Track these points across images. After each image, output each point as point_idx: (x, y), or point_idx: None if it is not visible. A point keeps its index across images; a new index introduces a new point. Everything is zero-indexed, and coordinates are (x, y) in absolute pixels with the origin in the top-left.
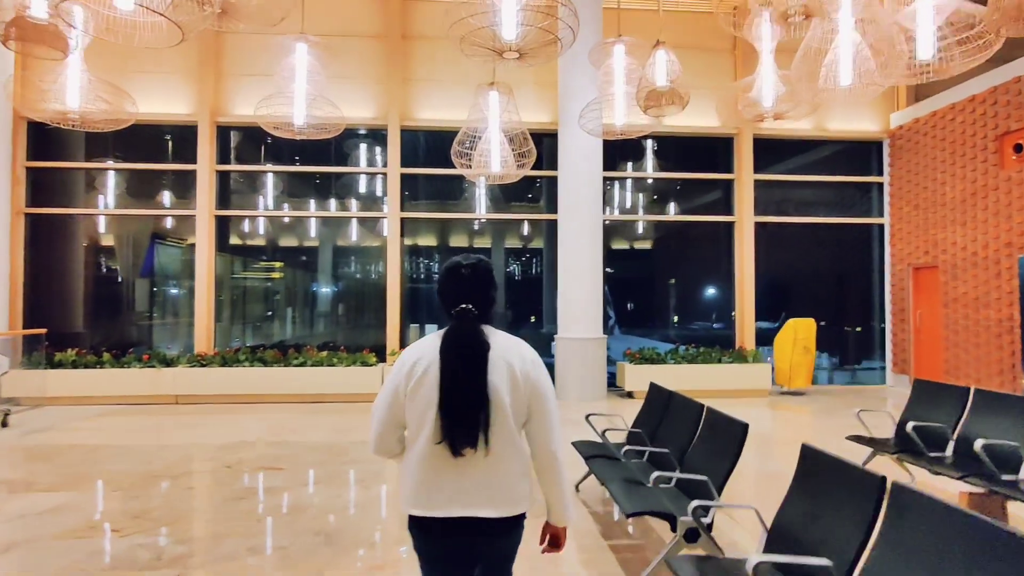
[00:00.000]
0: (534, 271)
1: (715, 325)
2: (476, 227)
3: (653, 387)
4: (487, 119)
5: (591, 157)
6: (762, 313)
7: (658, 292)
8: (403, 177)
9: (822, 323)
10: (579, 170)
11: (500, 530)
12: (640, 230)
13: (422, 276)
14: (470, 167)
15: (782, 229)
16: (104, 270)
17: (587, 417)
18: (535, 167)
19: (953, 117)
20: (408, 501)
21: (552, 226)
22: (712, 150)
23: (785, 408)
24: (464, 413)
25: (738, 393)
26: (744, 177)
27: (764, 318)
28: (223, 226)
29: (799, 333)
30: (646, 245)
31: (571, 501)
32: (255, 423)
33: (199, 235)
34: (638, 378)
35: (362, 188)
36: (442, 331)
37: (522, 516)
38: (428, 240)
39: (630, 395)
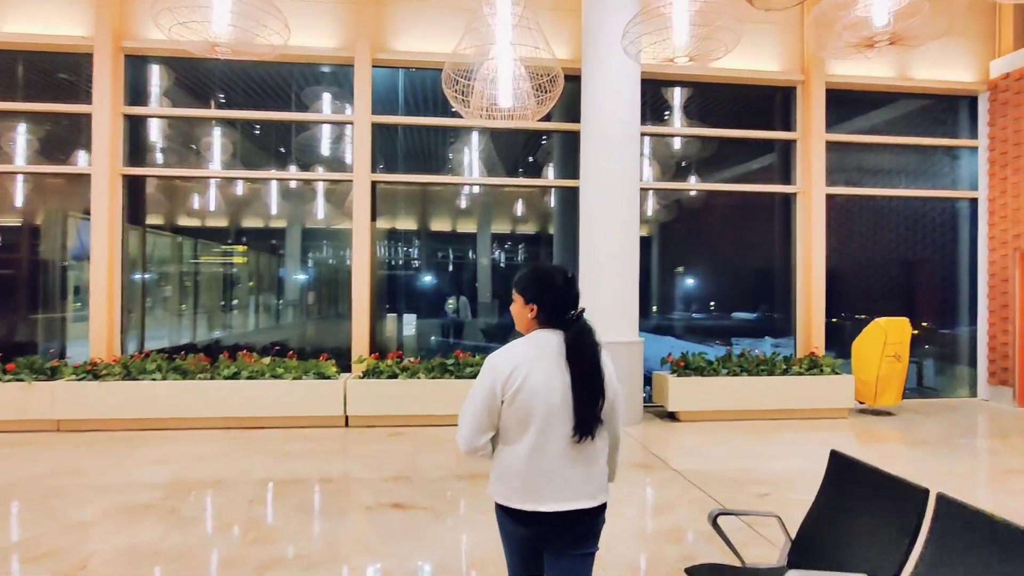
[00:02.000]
0: (541, 256)
1: (747, 314)
2: (464, 206)
3: (837, 459)
4: (492, 36)
5: (628, 102)
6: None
7: (684, 277)
8: (376, 130)
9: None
10: (612, 120)
11: (589, 519)
12: (650, 210)
13: (400, 262)
14: (467, 105)
15: (847, 204)
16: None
17: (714, 520)
18: (546, 118)
19: None
20: (515, 497)
21: (568, 199)
22: (765, 104)
23: (881, 437)
24: (591, 407)
25: (812, 413)
26: (812, 137)
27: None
28: (136, 191)
29: (890, 336)
30: (662, 220)
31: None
32: (157, 466)
33: (95, 200)
34: (685, 395)
35: (326, 150)
36: (536, 336)
37: (604, 507)
38: (407, 223)
39: (673, 417)
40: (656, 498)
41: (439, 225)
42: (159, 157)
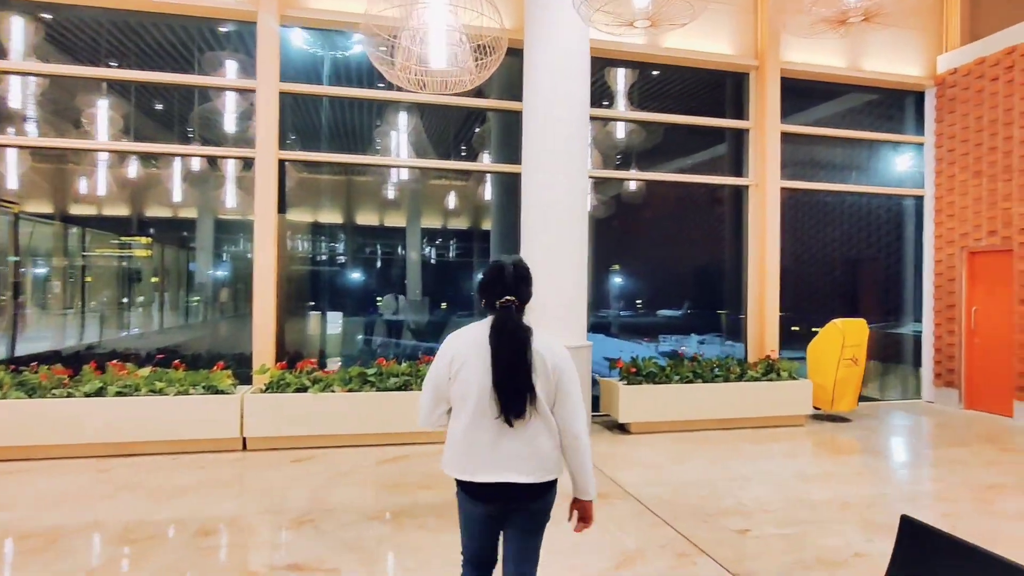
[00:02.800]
0: (475, 252)
1: (670, 311)
2: (393, 196)
3: (910, 527)
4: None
5: (578, 78)
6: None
7: (621, 275)
8: (289, 102)
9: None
10: (559, 98)
11: (532, 494)
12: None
13: (325, 258)
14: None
15: (791, 199)
16: None
17: None
18: (483, 94)
19: None
20: (454, 467)
21: (507, 188)
22: (715, 91)
23: (844, 448)
24: (515, 390)
25: (769, 421)
26: (767, 127)
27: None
28: None
29: (848, 338)
30: (600, 216)
31: (592, 477)
32: None
33: None
34: (636, 405)
35: (232, 125)
36: (484, 321)
37: (553, 483)
38: (331, 215)
39: (623, 429)
40: (621, 541)
41: (366, 219)
42: (29, 128)
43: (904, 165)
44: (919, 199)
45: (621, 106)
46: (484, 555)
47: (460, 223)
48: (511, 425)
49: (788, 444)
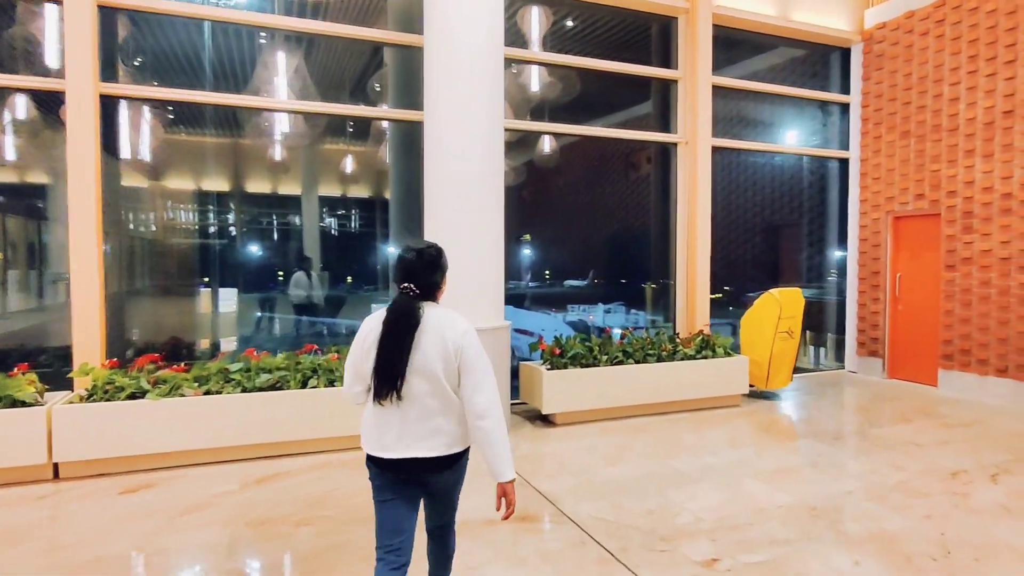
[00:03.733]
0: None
1: (576, 282)
2: (283, 158)
3: None
4: None
5: (490, 10)
6: (633, 273)
7: (533, 246)
8: (121, 20)
9: (747, 293)
10: (468, 30)
11: (438, 466)
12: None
13: (213, 229)
14: None
15: (717, 160)
16: None
17: None
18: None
19: (976, 6)
20: (364, 442)
21: (408, 143)
22: (639, 37)
23: (788, 431)
24: (388, 370)
25: (705, 403)
26: (698, 78)
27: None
28: None
29: (785, 310)
30: (509, 183)
31: (509, 456)
32: None
33: None
34: (562, 392)
35: (53, 58)
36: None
37: (459, 455)
38: (218, 182)
39: (547, 420)
40: None
41: (258, 186)
42: None
43: (831, 126)
44: (844, 162)
45: (536, 49)
46: (397, 532)
47: (361, 191)
48: (379, 403)
49: (729, 430)
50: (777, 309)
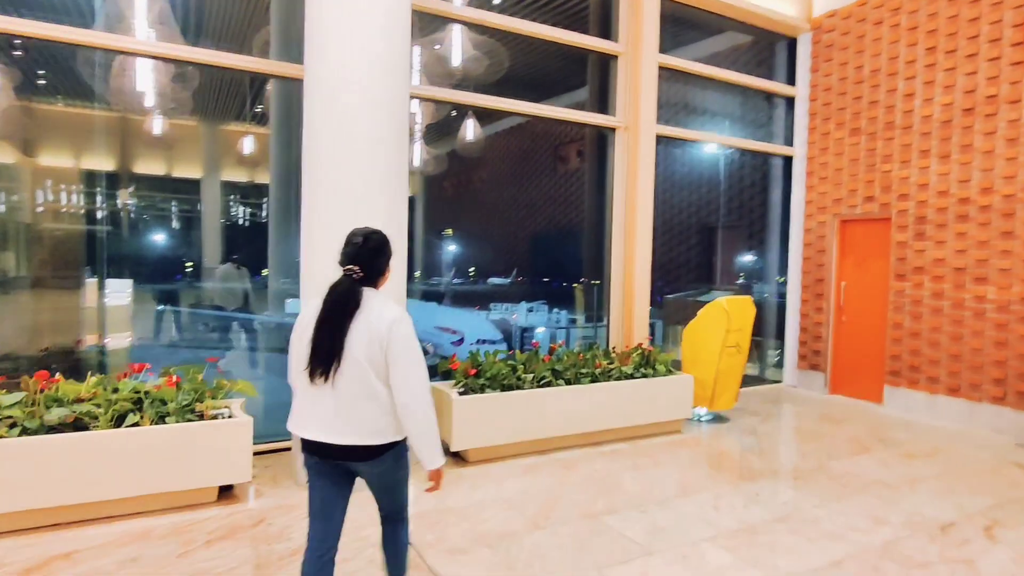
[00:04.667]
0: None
1: (500, 280)
2: (158, 134)
3: None
4: None
5: None
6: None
7: (454, 241)
8: None
9: (665, 294)
10: None
11: (362, 455)
12: (416, 159)
13: (102, 214)
14: None
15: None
16: None
17: None
18: None
19: None
20: (291, 423)
21: (288, 107)
22: (576, 9)
23: (745, 465)
24: (324, 350)
25: (644, 431)
26: (642, 56)
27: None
28: None
29: (734, 321)
30: (430, 172)
31: (435, 446)
32: None
33: None
34: (477, 423)
35: None
36: None
37: (384, 448)
38: (102, 161)
39: (459, 458)
40: None
41: (152, 168)
42: None
43: (776, 120)
44: (789, 159)
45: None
46: (324, 518)
47: (266, 176)
48: (312, 382)
49: (675, 469)
50: (725, 320)
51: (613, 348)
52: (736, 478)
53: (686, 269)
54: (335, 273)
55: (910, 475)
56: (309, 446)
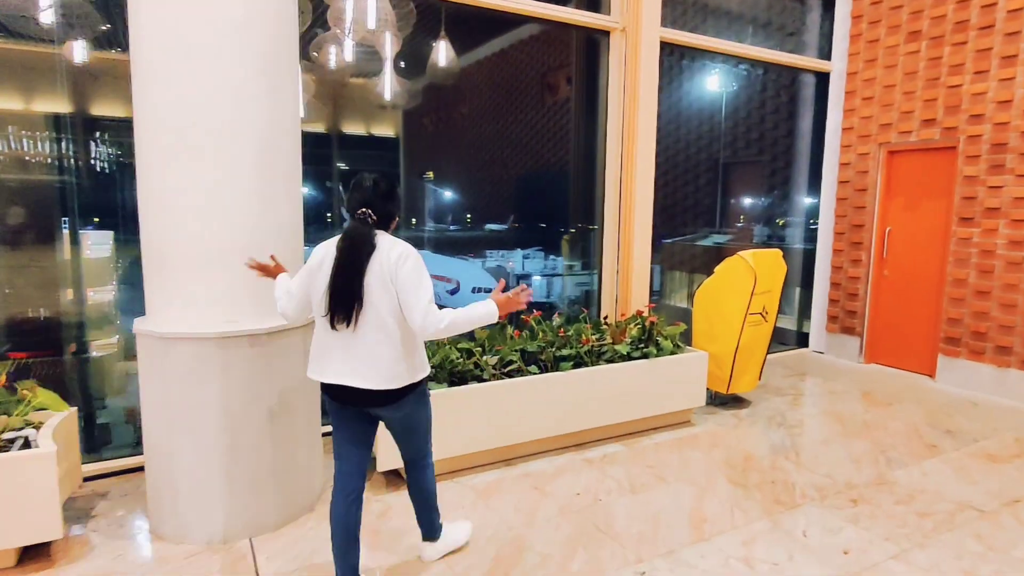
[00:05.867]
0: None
1: (496, 226)
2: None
3: None
4: None
5: None
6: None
7: (436, 185)
8: None
9: (663, 238)
10: None
11: (380, 400)
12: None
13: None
14: None
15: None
16: None
17: None
18: None
19: None
20: (311, 368)
21: None
22: None
23: (780, 486)
24: (342, 295)
25: (645, 424)
26: None
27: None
28: None
29: (761, 282)
30: (404, 106)
31: (478, 320)
32: None
33: None
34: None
35: None
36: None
37: (403, 391)
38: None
39: (392, 478)
40: None
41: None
42: None
43: (810, 27)
44: (823, 77)
45: None
46: (346, 459)
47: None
48: (334, 328)
49: (689, 490)
50: (750, 281)
51: (605, 318)
52: (771, 502)
53: (693, 214)
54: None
55: (1005, 492)
56: (330, 391)
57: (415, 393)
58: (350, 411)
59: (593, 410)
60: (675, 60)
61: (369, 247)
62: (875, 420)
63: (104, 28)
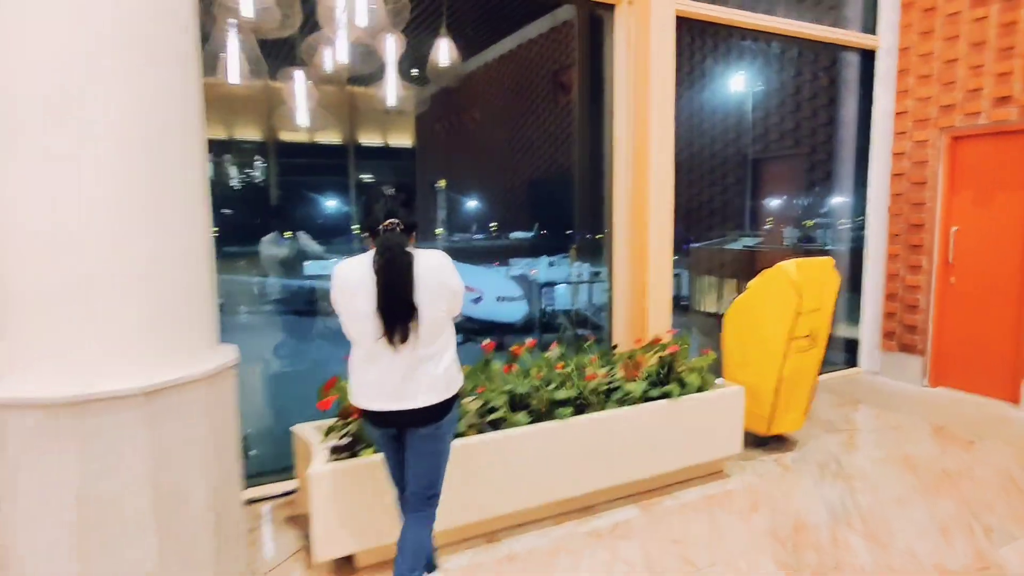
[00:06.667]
0: None
1: (522, 234)
2: None
3: None
4: None
5: None
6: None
7: (450, 193)
8: None
9: (690, 243)
10: None
11: (437, 414)
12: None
13: None
14: None
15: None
16: None
17: None
18: None
19: None
20: (358, 396)
21: None
22: None
23: None
24: (397, 313)
25: (666, 481)
26: None
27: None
28: None
29: (807, 299)
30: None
31: None
32: None
33: None
34: (362, 506)
35: None
36: (369, 252)
37: (449, 402)
38: None
39: (344, 567)
40: None
41: None
42: None
43: (841, 2)
44: (868, 54)
45: None
46: (403, 472)
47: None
48: (393, 347)
49: (727, 573)
50: (793, 298)
51: (614, 347)
52: None
53: (720, 216)
54: None
55: None
56: (374, 418)
57: (456, 404)
58: (391, 435)
59: (600, 467)
60: (694, 39)
61: (409, 256)
62: (957, 466)
63: None
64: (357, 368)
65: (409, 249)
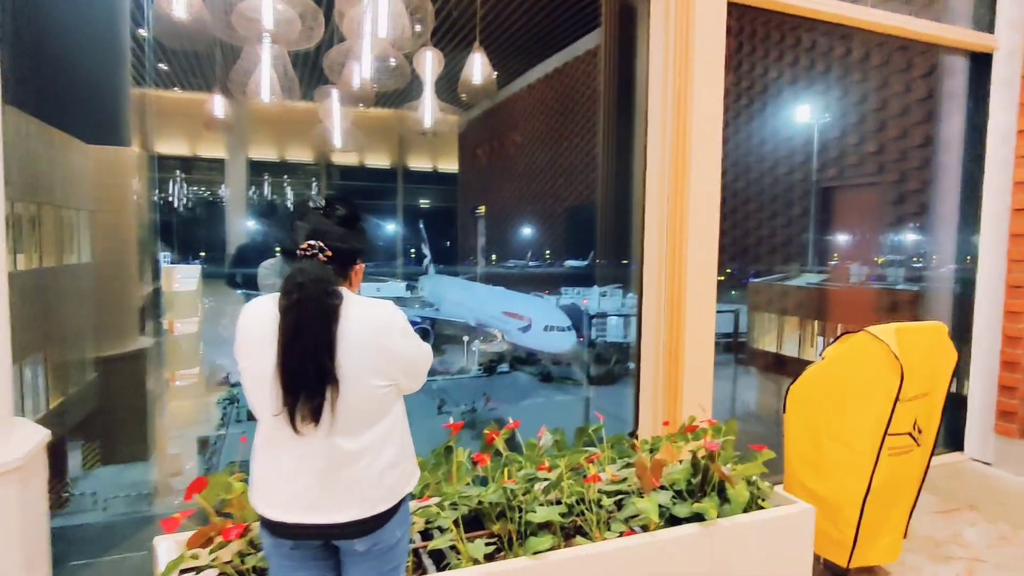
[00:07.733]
0: None
1: (576, 262)
2: None
3: None
4: None
5: None
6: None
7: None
8: None
9: (750, 277)
10: None
11: (371, 526)
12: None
13: None
14: None
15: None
16: None
17: None
18: None
19: None
20: (255, 496)
21: None
22: None
23: None
24: (303, 377)
25: None
26: None
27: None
28: None
29: (917, 379)
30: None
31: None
32: None
33: None
34: None
35: None
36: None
37: (391, 510)
38: None
39: None
40: None
41: None
42: None
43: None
44: (982, 58)
45: None
46: None
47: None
48: (296, 429)
49: None
50: (893, 380)
51: (633, 435)
52: None
53: (782, 254)
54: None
55: None
56: (282, 529)
57: (404, 506)
58: (311, 551)
59: None
60: (750, 35)
61: (333, 299)
62: None
63: None
64: (256, 455)
65: (337, 288)
